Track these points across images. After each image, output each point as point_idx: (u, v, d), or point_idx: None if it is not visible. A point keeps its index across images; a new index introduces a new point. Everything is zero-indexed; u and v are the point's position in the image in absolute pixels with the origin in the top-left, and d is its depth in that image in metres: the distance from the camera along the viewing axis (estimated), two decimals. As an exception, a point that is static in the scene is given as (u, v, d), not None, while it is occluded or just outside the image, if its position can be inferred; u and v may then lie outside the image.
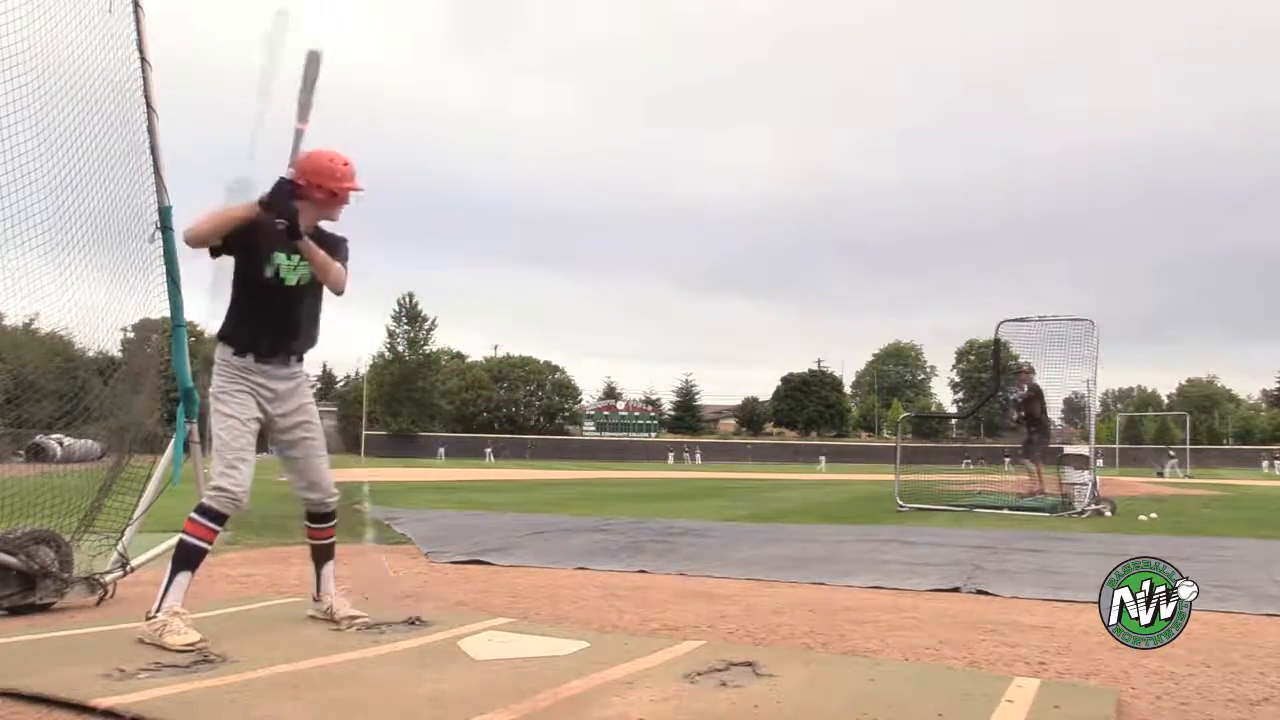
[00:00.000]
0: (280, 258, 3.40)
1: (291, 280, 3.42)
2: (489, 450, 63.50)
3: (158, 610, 3.14)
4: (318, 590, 3.69)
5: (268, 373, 3.43)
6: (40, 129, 3.68)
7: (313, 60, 3.57)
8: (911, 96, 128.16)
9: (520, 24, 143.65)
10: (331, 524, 3.70)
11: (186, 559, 3.26)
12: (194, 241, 3.40)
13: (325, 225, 3.58)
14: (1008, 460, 12.74)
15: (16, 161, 3.59)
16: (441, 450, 63.37)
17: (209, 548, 3.33)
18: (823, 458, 55.76)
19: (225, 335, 3.45)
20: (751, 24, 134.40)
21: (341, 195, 3.51)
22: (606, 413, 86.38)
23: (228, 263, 3.44)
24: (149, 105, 4.21)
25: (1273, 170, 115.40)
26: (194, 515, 3.29)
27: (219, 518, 3.29)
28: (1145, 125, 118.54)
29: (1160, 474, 37.90)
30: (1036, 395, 12.28)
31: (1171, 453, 42.89)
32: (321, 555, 3.69)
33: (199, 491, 4.51)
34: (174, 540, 4.40)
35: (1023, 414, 12.23)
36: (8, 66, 3.52)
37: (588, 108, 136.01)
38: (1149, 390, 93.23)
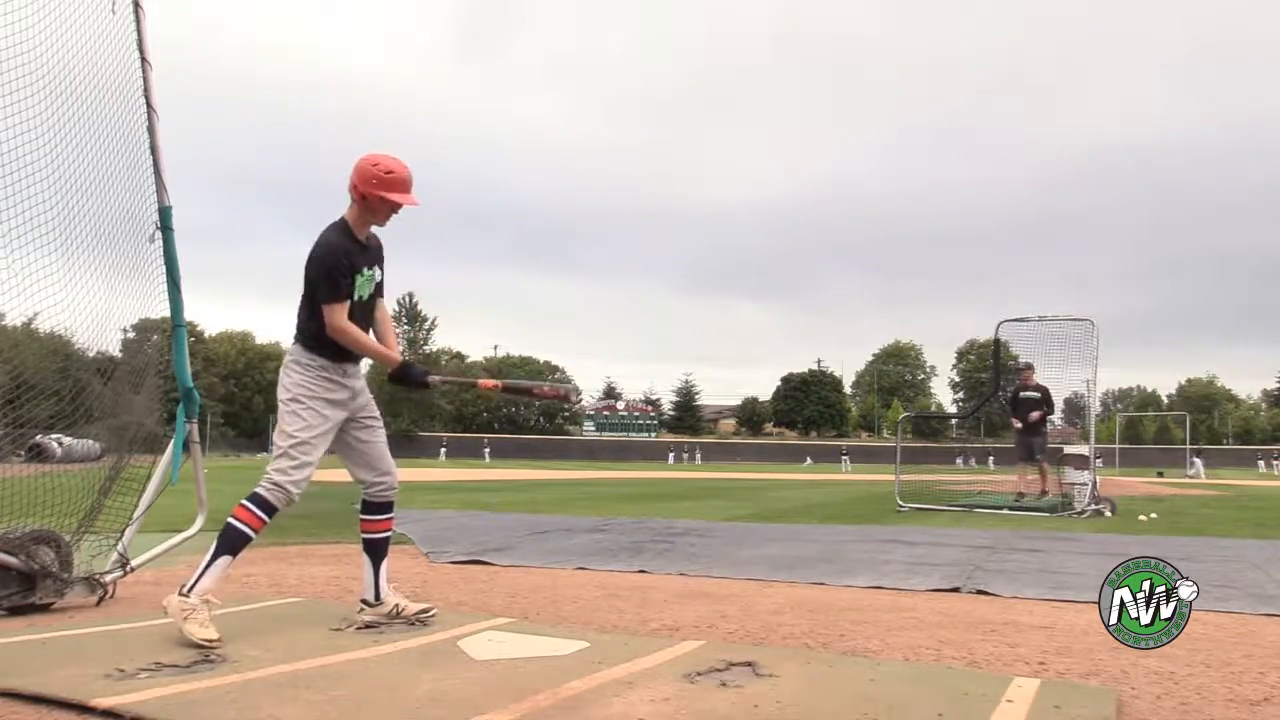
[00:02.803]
0: (360, 275, 3.55)
1: (366, 293, 3.58)
2: (442, 448, 62.98)
3: (190, 590, 3.16)
4: (376, 593, 3.64)
5: (346, 371, 3.57)
6: (45, 128, 3.69)
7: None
8: (911, 97, 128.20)
9: (521, 27, 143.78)
10: (389, 515, 3.73)
11: (232, 544, 3.32)
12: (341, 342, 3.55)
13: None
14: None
15: (23, 161, 3.59)
16: (443, 450, 62.82)
17: (255, 536, 3.39)
18: (846, 458, 54.77)
19: (312, 343, 3.52)
20: (751, 26, 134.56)
21: (370, 198, 3.55)
22: (606, 413, 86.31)
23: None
24: (149, 105, 4.21)
25: (1272, 171, 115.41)
26: (247, 503, 3.37)
27: (271, 509, 3.39)
28: (1144, 126, 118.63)
29: (1191, 475, 36.33)
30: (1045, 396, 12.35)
31: (1195, 458, 41.20)
32: (379, 551, 3.67)
33: (199, 492, 4.52)
34: (175, 539, 4.43)
35: (1041, 413, 12.25)
36: (14, 65, 3.52)
37: (588, 109, 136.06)
38: (1149, 390, 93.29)
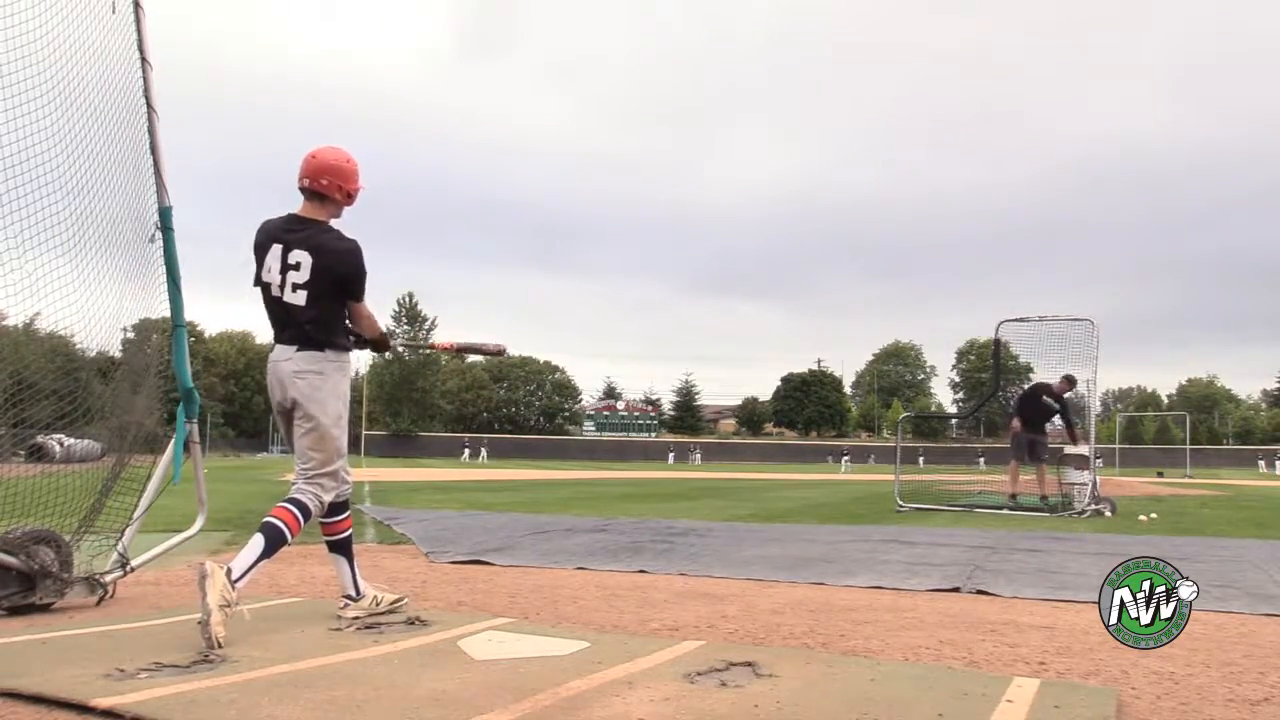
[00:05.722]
0: None
1: None
2: (483, 449, 62.50)
3: (238, 581, 3.16)
4: (357, 588, 3.72)
5: None
6: (49, 129, 3.69)
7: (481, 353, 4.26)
8: (911, 98, 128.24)
9: (522, 29, 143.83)
10: (348, 513, 3.78)
11: (276, 548, 3.36)
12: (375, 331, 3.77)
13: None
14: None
15: (31, 164, 3.59)
16: (474, 451, 61.26)
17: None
18: (846, 458, 54.77)
19: (344, 344, 3.61)
20: (752, 27, 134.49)
21: (355, 196, 3.69)
22: (606, 413, 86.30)
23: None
24: (149, 105, 4.21)
25: (1272, 171, 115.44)
26: (297, 512, 3.42)
27: (309, 520, 3.49)
28: (1145, 127, 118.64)
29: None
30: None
31: None
32: (347, 548, 3.74)
33: (199, 492, 4.52)
34: (175, 539, 4.43)
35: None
36: (19, 66, 3.52)
37: (589, 110, 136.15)
38: (1149, 390, 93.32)
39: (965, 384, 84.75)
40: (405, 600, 3.88)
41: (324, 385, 3.51)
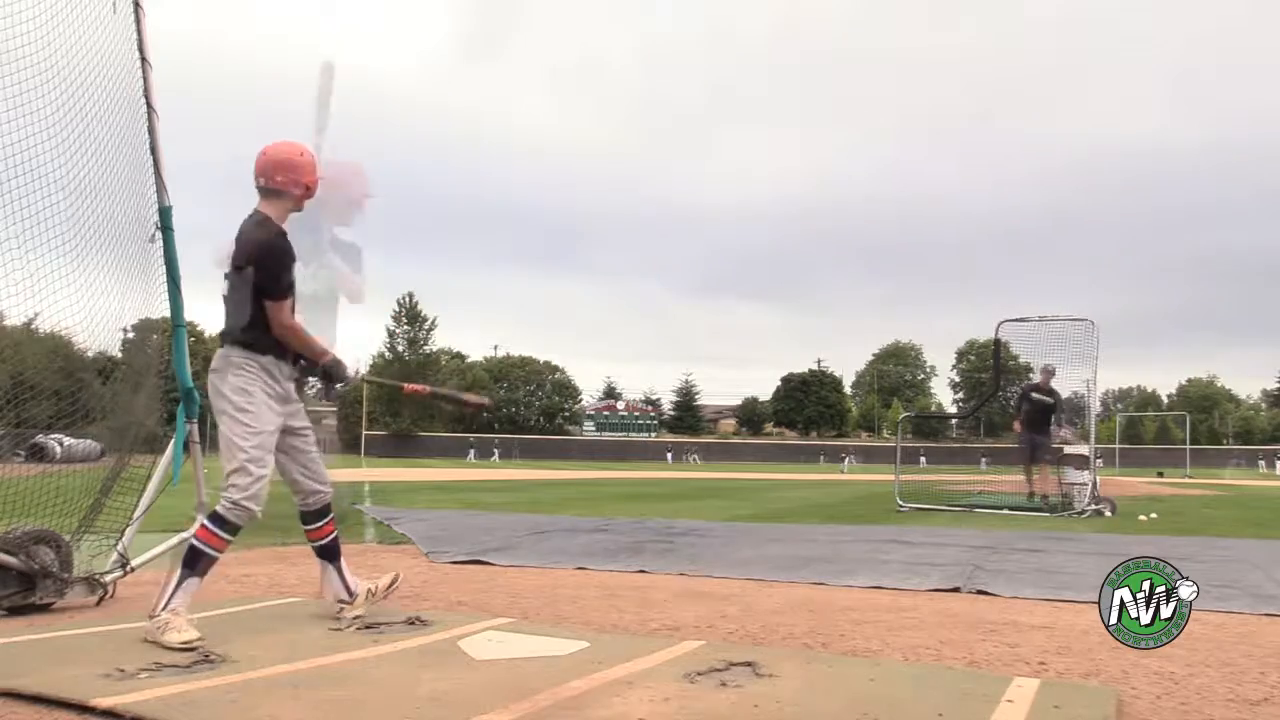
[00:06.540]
0: None
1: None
2: (495, 449, 62.84)
3: (162, 609, 3.15)
4: (348, 590, 3.69)
5: (283, 371, 3.46)
6: (49, 130, 3.69)
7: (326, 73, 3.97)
8: (911, 99, 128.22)
9: (522, 29, 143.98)
10: (330, 517, 3.71)
11: (198, 565, 3.28)
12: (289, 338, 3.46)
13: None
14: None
15: (31, 164, 3.59)
16: (495, 451, 61.85)
17: (220, 555, 3.35)
18: (847, 458, 54.87)
19: (248, 341, 3.37)
20: (752, 28, 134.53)
21: (314, 189, 3.57)
22: (606, 413, 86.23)
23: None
24: (149, 105, 4.21)
25: (1272, 171, 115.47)
26: (209, 524, 3.30)
27: (234, 529, 3.33)
28: (1144, 127, 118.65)
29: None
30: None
31: None
32: (334, 552, 3.70)
33: (199, 493, 4.52)
34: (174, 540, 4.43)
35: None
36: (20, 66, 3.53)
37: (589, 110, 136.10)
38: (1149, 390, 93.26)
39: (965, 384, 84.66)
40: (399, 576, 3.92)
41: (220, 384, 3.35)
